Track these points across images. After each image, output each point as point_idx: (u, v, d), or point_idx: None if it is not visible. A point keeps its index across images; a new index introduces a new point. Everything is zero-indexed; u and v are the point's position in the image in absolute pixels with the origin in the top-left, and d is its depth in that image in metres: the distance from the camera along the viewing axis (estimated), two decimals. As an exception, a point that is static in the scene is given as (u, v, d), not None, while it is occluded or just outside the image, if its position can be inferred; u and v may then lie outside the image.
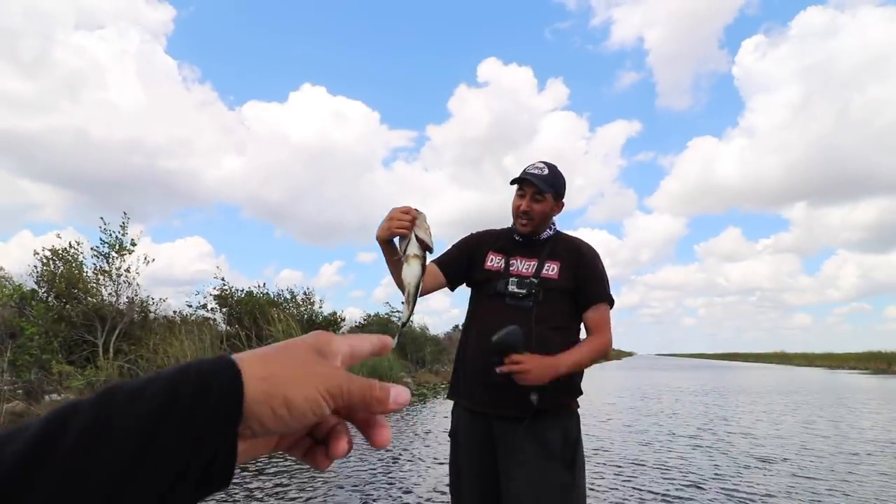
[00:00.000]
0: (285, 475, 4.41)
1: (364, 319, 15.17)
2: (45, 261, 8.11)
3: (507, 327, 1.57)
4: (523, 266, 1.76)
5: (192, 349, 7.41)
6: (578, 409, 1.77)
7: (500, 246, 1.84)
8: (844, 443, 6.06)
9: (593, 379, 18.53)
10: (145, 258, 8.58)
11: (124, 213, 8.27)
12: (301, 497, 3.80)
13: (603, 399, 11.22)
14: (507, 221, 1.89)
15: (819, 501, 3.81)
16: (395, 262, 1.48)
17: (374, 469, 4.64)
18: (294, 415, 0.29)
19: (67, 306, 7.81)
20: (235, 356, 0.30)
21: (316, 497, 3.80)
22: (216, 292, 10.61)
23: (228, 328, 10.20)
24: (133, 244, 8.29)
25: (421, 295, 1.77)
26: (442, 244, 2.22)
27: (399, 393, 0.33)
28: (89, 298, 7.88)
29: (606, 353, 1.75)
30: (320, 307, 12.17)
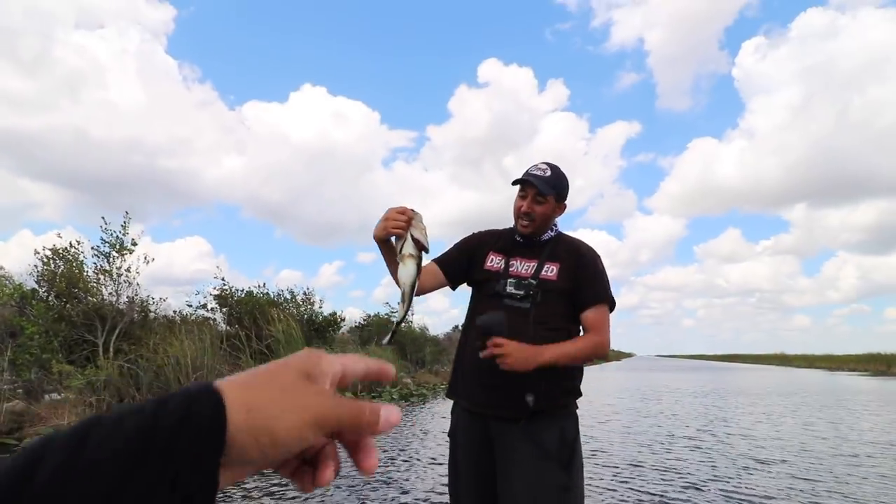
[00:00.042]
0: (284, 475, 4.42)
1: (364, 319, 15.18)
2: (45, 260, 8.11)
3: (489, 313, 1.58)
4: (523, 267, 1.75)
5: (192, 349, 7.40)
6: (577, 411, 1.75)
7: (500, 246, 1.83)
8: (844, 444, 6.05)
9: (593, 380, 18.52)
10: (145, 258, 8.57)
11: (126, 212, 8.26)
12: (299, 497, 3.80)
13: (602, 400, 11.20)
14: (507, 222, 1.88)
15: (818, 503, 3.81)
16: (393, 261, 1.48)
17: (374, 469, 4.64)
18: (278, 447, 0.29)
19: (68, 306, 7.81)
20: (218, 383, 0.29)
21: (313, 497, 3.80)
22: (216, 292, 10.59)
23: (228, 328, 10.18)
24: (134, 244, 8.29)
25: (420, 294, 1.78)
26: (441, 244, 2.23)
27: (390, 413, 0.32)
28: (90, 298, 7.88)
29: (602, 354, 1.69)
30: (320, 307, 12.15)
